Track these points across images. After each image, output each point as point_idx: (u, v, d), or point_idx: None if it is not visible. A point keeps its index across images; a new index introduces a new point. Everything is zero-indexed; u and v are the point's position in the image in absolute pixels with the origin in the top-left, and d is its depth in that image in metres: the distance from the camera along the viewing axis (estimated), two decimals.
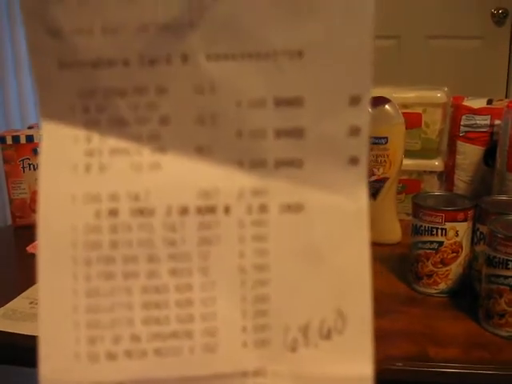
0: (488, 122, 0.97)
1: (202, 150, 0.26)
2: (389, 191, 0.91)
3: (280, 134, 0.26)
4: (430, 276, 0.75)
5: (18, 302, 0.73)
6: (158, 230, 0.26)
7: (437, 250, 0.74)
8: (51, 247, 0.25)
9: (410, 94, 1.01)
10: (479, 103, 0.99)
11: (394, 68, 2.24)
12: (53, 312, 0.25)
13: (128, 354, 0.25)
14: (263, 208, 0.26)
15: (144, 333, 0.26)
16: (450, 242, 0.73)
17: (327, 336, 0.26)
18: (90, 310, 0.25)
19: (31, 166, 0.98)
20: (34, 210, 0.97)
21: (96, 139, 0.26)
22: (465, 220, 0.73)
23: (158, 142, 0.26)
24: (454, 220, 0.73)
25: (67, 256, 0.25)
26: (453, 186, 1.02)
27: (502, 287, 0.64)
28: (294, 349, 0.26)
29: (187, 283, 0.26)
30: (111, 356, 0.25)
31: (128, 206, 0.25)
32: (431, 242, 0.74)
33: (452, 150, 1.02)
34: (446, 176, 1.03)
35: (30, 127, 1.07)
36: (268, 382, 0.26)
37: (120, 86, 0.25)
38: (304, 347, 0.26)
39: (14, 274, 0.86)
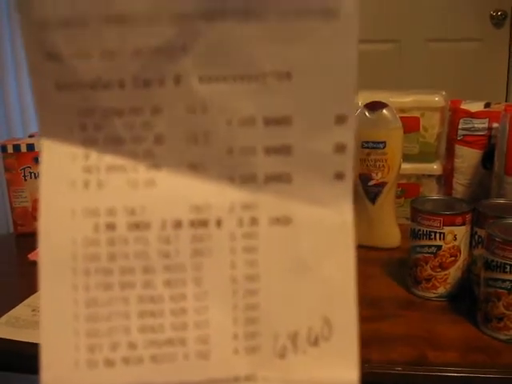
0: (486, 125, 0.98)
1: (194, 167, 0.27)
2: (387, 195, 0.91)
3: (269, 151, 0.27)
4: (428, 280, 0.75)
5: (21, 310, 0.73)
6: (153, 243, 0.27)
7: (435, 254, 0.74)
8: (52, 259, 0.26)
9: (407, 99, 1.02)
10: (477, 107, 1.00)
11: (395, 71, 2.25)
12: (54, 321, 0.26)
13: (125, 360, 0.26)
14: (253, 221, 0.27)
15: (140, 340, 0.26)
16: (449, 245, 0.73)
17: (315, 343, 0.27)
18: (89, 318, 0.26)
19: (32, 174, 0.99)
20: (35, 218, 0.97)
21: (94, 156, 0.27)
22: (463, 224, 0.73)
23: (152, 160, 0.27)
24: (452, 224, 0.73)
25: (67, 267, 0.26)
26: (451, 190, 1.02)
27: (500, 291, 0.64)
28: (282, 355, 0.27)
29: (181, 293, 0.27)
30: (109, 363, 0.26)
31: (125, 220, 0.26)
32: (429, 246, 0.74)
33: (450, 154, 1.02)
34: (445, 180, 1.03)
35: (30, 136, 1.07)
36: None
37: (116, 107, 0.26)
38: (293, 354, 0.27)
39: (16, 281, 0.87)
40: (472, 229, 0.75)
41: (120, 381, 0.26)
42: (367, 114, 0.89)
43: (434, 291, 0.75)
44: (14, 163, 0.99)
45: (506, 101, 2.11)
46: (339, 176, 0.27)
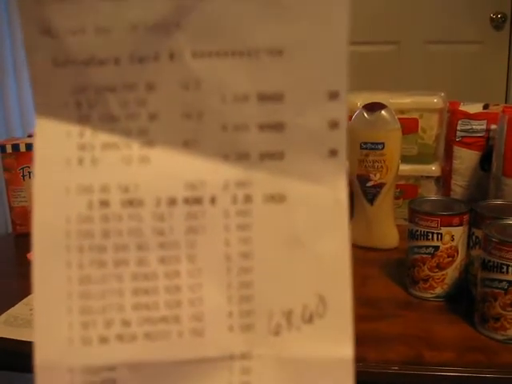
0: (484, 126, 0.98)
1: (188, 144, 0.27)
2: (386, 196, 0.91)
3: (262, 127, 0.27)
4: (426, 280, 0.75)
5: (19, 309, 0.73)
6: (147, 220, 0.27)
7: (433, 255, 0.74)
8: (45, 236, 0.26)
9: (406, 100, 1.02)
10: (475, 108, 1.00)
11: (394, 73, 2.25)
12: (47, 298, 0.26)
13: (119, 337, 0.26)
14: (247, 198, 0.27)
15: (134, 318, 0.27)
16: (446, 246, 0.74)
17: (309, 320, 0.27)
18: (83, 296, 0.26)
19: (31, 174, 0.99)
20: None
21: (88, 134, 0.27)
22: (460, 224, 0.74)
23: (146, 137, 0.27)
24: (450, 225, 0.73)
25: (61, 245, 0.26)
26: (450, 191, 1.02)
27: (496, 291, 0.64)
28: (277, 333, 0.27)
29: (175, 270, 0.27)
30: (103, 340, 0.26)
31: (118, 197, 0.27)
32: (427, 247, 0.74)
33: (449, 155, 1.03)
34: (443, 181, 1.03)
35: (30, 135, 1.08)
36: (254, 365, 0.27)
37: (110, 83, 0.26)
38: (287, 331, 0.27)
39: (14, 280, 0.87)
40: (469, 229, 0.75)
41: (114, 358, 0.26)
42: (366, 114, 0.89)
43: (432, 291, 0.75)
44: (13, 163, 0.99)
45: (505, 103, 2.11)
46: (333, 153, 0.27)
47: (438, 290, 0.75)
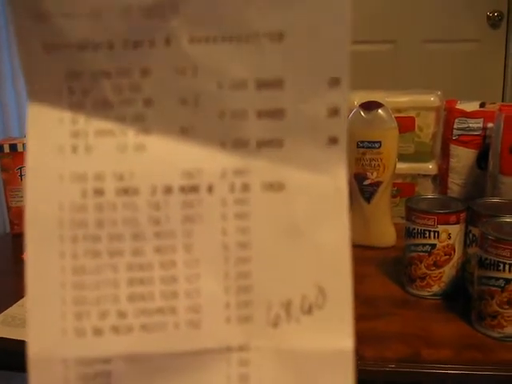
0: (481, 125, 0.98)
1: (185, 131, 0.26)
2: (383, 195, 0.91)
3: (261, 114, 0.26)
4: (423, 278, 0.76)
5: (17, 309, 0.73)
6: (143, 209, 0.26)
7: (430, 253, 0.74)
8: (38, 226, 0.26)
9: (403, 98, 1.02)
10: (472, 106, 1.00)
11: (391, 72, 2.25)
12: (40, 289, 0.26)
13: (114, 329, 0.26)
14: (245, 187, 0.27)
15: (130, 309, 0.26)
16: (443, 244, 0.74)
17: (308, 311, 0.27)
18: (77, 286, 0.26)
19: None
20: None
21: (82, 121, 0.26)
22: (457, 222, 0.74)
23: (142, 124, 0.26)
24: (447, 223, 0.73)
25: (54, 234, 0.26)
26: (447, 189, 1.02)
27: (493, 289, 0.65)
28: (276, 324, 0.27)
29: (171, 260, 0.26)
30: (98, 331, 0.26)
31: (113, 185, 0.26)
32: (424, 245, 0.74)
33: (445, 154, 1.03)
34: (440, 179, 1.04)
35: None
36: (252, 357, 0.27)
37: (105, 69, 0.26)
38: (286, 323, 0.27)
39: (12, 280, 0.87)
40: (466, 227, 0.75)
41: (109, 350, 0.26)
42: (363, 113, 0.90)
43: (429, 289, 0.76)
44: (11, 163, 0.99)
45: (502, 102, 2.11)
46: (333, 140, 0.27)
47: (435, 288, 0.75)
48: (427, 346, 0.65)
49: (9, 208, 1.02)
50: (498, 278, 0.64)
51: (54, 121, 0.26)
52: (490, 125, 0.96)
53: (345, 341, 0.27)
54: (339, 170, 0.27)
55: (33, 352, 0.25)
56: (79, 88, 0.26)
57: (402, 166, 0.98)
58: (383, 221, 0.93)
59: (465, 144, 1.00)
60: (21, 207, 1.00)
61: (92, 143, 0.26)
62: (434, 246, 0.74)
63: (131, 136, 0.26)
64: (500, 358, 0.62)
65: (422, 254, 0.75)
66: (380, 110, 0.89)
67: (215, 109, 0.26)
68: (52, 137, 0.26)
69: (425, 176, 1.03)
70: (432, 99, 1.01)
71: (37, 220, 0.26)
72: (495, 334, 0.65)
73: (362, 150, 0.90)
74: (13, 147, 0.99)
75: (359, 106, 0.90)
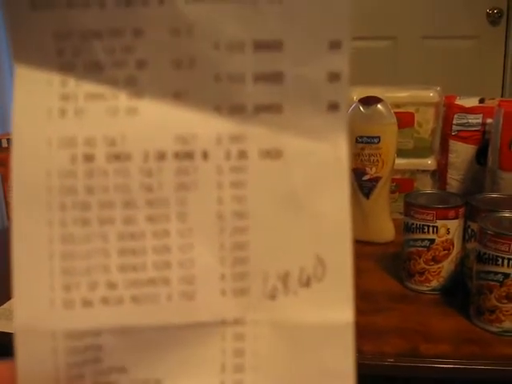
0: (480, 120, 0.98)
1: (179, 95, 0.25)
2: (382, 190, 0.91)
3: (258, 78, 0.25)
4: (421, 273, 0.76)
5: None
6: (135, 176, 0.25)
7: (428, 248, 0.74)
8: (25, 193, 0.25)
9: (402, 94, 1.02)
10: (471, 102, 1.00)
11: (391, 68, 2.25)
12: (27, 259, 0.25)
13: (104, 300, 0.25)
14: (242, 154, 0.26)
15: (120, 279, 0.25)
16: (442, 239, 0.74)
17: (307, 283, 0.26)
18: (66, 256, 0.25)
19: None
20: None
21: (71, 83, 0.25)
22: (456, 218, 0.74)
23: (134, 87, 0.25)
24: (445, 218, 0.73)
25: (42, 202, 0.25)
26: (446, 185, 1.02)
27: (492, 283, 0.65)
28: (273, 297, 0.26)
29: (164, 229, 0.25)
30: (87, 303, 0.25)
31: (104, 150, 0.25)
32: (423, 240, 0.74)
33: (444, 149, 1.03)
34: (439, 175, 1.03)
35: None
36: (247, 331, 0.26)
37: (96, 28, 0.25)
38: (283, 295, 0.26)
39: (10, 276, 0.87)
40: (465, 222, 0.75)
41: (99, 322, 0.25)
42: (362, 108, 0.90)
43: (427, 284, 0.76)
44: (9, 157, 0.99)
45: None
46: (333, 106, 0.26)
47: (434, 283, 0.75)
48: (426, 341, 0.65)
49: (7, 203, 1.01)
50: (496, 273, 0.64)
51: (42, 83, 0.25)
52: (489, 120, 0.96)
53: (345, 313, 0.26)
54: (339, 138, 0.26)
55: (19, 324, 0.25)
56: (69, 49, 0.25)
57: (401, 162, 0.98)
58: (382, 216, 0.93)
59: (464, 140, 0.99)
60: None
61: (82, 107, 0.25)
62: (432, 241, 0.74)
63: (123, 99, 0.25)
64: (498, 353, 0.62)
65: (420, 249, 0.75)
66: (379, 105, 0.89)
67: (211, 72, 0.25)
68: (40, 100, 0.25)
69: (424, 172, 1.03)
70: (431, 95, 1.01)
71: (23, 187, 0.25)
72: (494, 329, 0.65)
73: (361, 146, 0.90)
74: (11, 142, 0.99)
75: (358, 101, 0.90)
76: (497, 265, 0.64)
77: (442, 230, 0.73)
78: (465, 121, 0.99)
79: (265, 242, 0.26)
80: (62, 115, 0.25)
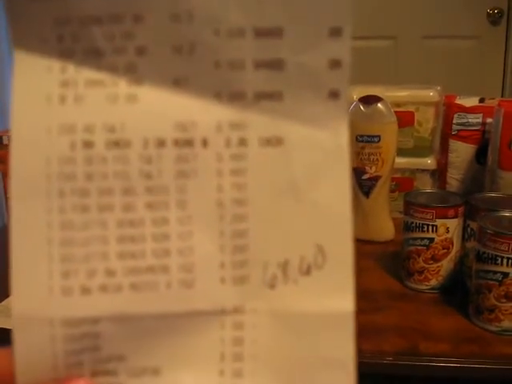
0: (480, 120, 0.98)
1: (179, 82, 0.25)
2: (381, 189, 0.91)
3: (259, 65, 0.25)
4: (421, 272, 0.76)
5: None
6: (134, 163, 0.25)
7: (428, 247, 0.74)
8: (24, 179, 0.25)
9: (402, 93, 1.02)
10: (471, 102, 1.00)
11: (391, 68, 2.25)
12: (26, 245, 0.25)
13: (103, 288, 0.25)
14: (242, 141, 0.26)
15: (119, 267, 0.25)
16: (441, 238, 0.74)
17: (307, 272, 0.26)
18: (64, 243, 0.25)
19: None
20: None
21: (71, 70, 0.25)
22: (455, 217, 0.74)
23: (134, 73, 0.25)
24: (445, 217, 0.73)
25: (41, 188, 0.25)
26: (445, 184, 1.02)
27: (491, 282, 0.65)
28: (272, 285, 0.26)
29: (164, 217, 0.25)
30: (85, 290, 0.25)
31: (103, 137, 0.25)
32: (422, 239, 0.74)
33: (444, 149, 1.03)
34: (439, 174, 1.03)
35: None
36: (247, 319, 0.26)
37: (95, 15, 0.25)
38: (283, 284, 0.26)
39: (8, 273, 0.87)
40: (464, 221, 0.75)
41: (97, 309, 0.25)
42: (362, 107, 0.90)
43: (427, 283, 0.76)
44: (9, 154, 0.99)
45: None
46: (334, 94, 0.25)
47: (433, 282, 0.76)
48: (425, 340, 0.65)
49: (7, 199, 1.01)
50: (495, 272, 0.64)
51: (42, 69, 0.25)
52: (489, 120, 0.96)
53: (345, 302, 0.26)
54: (340, 126, 0.26)
55: (17, 311, 0.24)
56: (69, 35, 0.25)
57: (401, 161, 0.98)
58: (382, 215, 0.93)
59: (464, 139, 0.99)
60: None
61: (82, 93, 0.25)
62: (432, 239, 0.74)
63: (123, 86, 0.25)
64: (497, 352, 0.62)
65: (420, 247, 0.75)
66: (379, 104, 0.89)
67: (211, 58, 0.25)
68: (39, 86, 0.25)
69: (423, 171, 1.03)
70: (431, 94, 1.01)
71: (22, 173, 0.25)
72: (493, 328, 0.65)
73: (361, 144, 0.90)
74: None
75: (358, 99, 0.90)
76: (496, 264, 0.64)
77: (442, 229, 0.73)
78: (465, 120, 0.99)
79: (264, 229, 0.26)
80: (62, 102, 0.25)
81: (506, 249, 0.63)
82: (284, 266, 0.26)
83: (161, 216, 0.25)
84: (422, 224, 0.74)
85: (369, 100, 0.89)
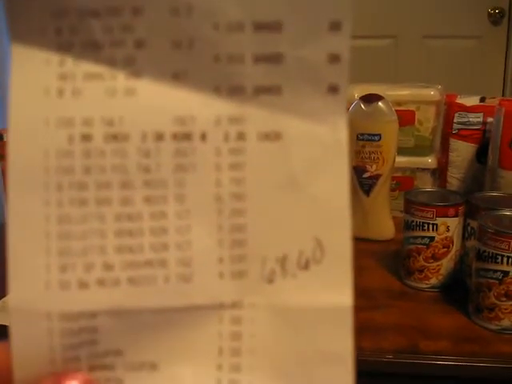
0: (481, 119, 0.98)
1: (178, 76, 0.25)
2: (382, 188, 0.91)
3: (258, 59, 0.25)
4: (421, 271, 0.76)
5: None
6: (133, 156, 0.25)
7: (428, 245, 0.74)
8: (22, 172, 0.25)
9: (403, 92, 1.02)
10: (472, 101, 1.00)
11: (392, 68, 2.25)
12: (23, 239, 0.25)
13: (100, 282, 0.25)
14: (241, 136, 0.25)
15: (117, 261, 0.25)
16: (441, 237, 0.74)
17: (305, 266, 0.26)
18: (62, 236, 0.25)
19: None
20: None
21: (69, 63, 0.25)
22: (456, 215, 0.74)
23: (133, 67, 0.25)
24: (445, 215, 0.73)
25: (39, 181, 0.25)
26: (446, 183, 1.02)
27: (491, 281, 0.65)
28: (271, 280, 0.26)
29: (162, 211, 0.25)
30: (83, 284, 0.25)
31: (102, 131, 0.25)
32: (422, 238, 0.74)
33: (445, 148, 1.03)
34: (439, 173, 1.04)
35: None
36: (245, 314, 0.26)
37: (94, 7, 0.25)
38: (281, 278, 0.26)
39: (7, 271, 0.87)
40: (465, 220, 0.75)
41: (95, 303, 0.25)
42: (363, 106, 0.90)
43: (427, 282, 0.76)
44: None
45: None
46: (333, 89, 0.25)
47: (433, 281, 0.76)
48: (425, 338, 0.65)
49: (7, 197, 1.01)
50: (495, 271, 0.64)
51: (40, 62, 0.25)
52: (489, 119, 0.96)
53: (344, 297, 0.26)
54: (339, 121, 0.26)
55: (15, 305, 0.24)
56: (67, 27, 0.25)
57: (402, 160, 0.98)
58: (382, 214, 0.93)
59: (464, 138, 1.00)
60: None
61: (80, 86, 0.25)
62: (432, 238, 0.74)
63: (121, 80, 0.25)
64: (497, 351, 0.62)
65: (420, 246, 0.75)
66: (380, 103, 0.89)
67: (210, 52, 0.25)
68: (37, 79, 0.25)
69: (424, 170, 1.03)
70: (432, 93, 1.01)
71: (20, 167, 0.25)
72: (492, 327, 0.65)
73: (362, 143, 0.90)
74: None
75: (359, 98, 0.90)
76: (496, 263, 0.64)
77: (442, 228, 0.73)
78: (465, 119, 0.99)
79: (263, 224, 0.26)
80: (60, 95, 0.25)
81: (507, 247, 0.63)
82: (282, 261, 0.26)
83: (159, 210, 0.25)
84: (423, 223, 0.74)
85: (370, 99, 0.89)
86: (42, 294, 0.25)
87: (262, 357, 0.26)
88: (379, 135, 0.89)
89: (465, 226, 0.75)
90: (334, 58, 0.25)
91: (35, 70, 0.25)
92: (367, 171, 0.91)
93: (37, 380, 0.25)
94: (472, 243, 0.72)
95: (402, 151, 0.96)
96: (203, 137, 0.25)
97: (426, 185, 1.02)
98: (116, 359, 0.26)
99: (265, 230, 0.26)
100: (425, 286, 0.76)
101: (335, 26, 0.25)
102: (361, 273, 0.80)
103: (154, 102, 0.25)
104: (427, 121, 1.01)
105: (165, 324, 0.26)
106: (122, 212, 0.25)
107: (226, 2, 0.25)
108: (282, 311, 0.26)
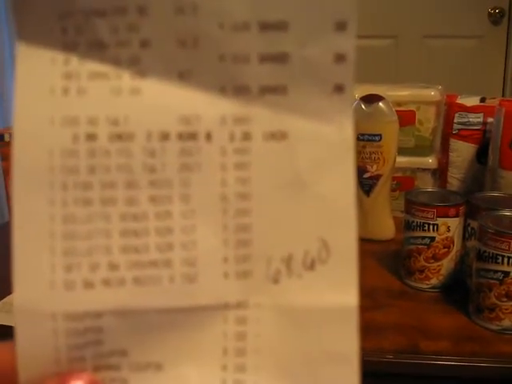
0: (481, 119, 0.98)
1: (183, 75, 0.25)
2: (382, 188, 0.91)
3: (264, 59, 0.25)
4: (421, 271, 0.76)
5: None
6: (138, 156, 0.25)
7: (428, 246, 0.74)
8: (27, 172, 0.25)
9: (403, 92, 1.02)
10: (472, 101, 1.00)
11: (392, 67, 2.25)
12: (28, 238, 0.25)
13: (106, 282, 0.25)
14: (246, 136, 0.25)
15: (122, 261, 0.25)
16: (442, 237, 0.74)
17: (311, 266, 0.26)
18: (67, 236, 0.25)
19: None
20: None
21: (74, 62, 0.25)
22: (456, 216, 0.74)
23: (138, 66, 0.25)
24: (446, 216, 0.74)
25: (44, 181, 0.25)
26: (446, 184, 1.03)
27: (491, 281, 0.65)
28: (276, 280, 0.26)
29: (167, 211, 0.25)
30: (88, 284, 0.25)
31: (107, 130, 0.25)
32: (423, 238, 0.75)
33: (445, 148, 1.03)
34: (440, 173, 1.04)
35: None
36: (250, 314, 0.26)
37: (99, 7, 0.25)
38: (287, 278, 0.26)
39: (11, 269, 0.87)
40: (465, 221, 0.75)
41: (100, 303, 0.25)
42: (363, 106, 0.90)
43: (427, 282, 0.76)
44: (11, 151, 0.99)
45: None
46: (339, 88, 0.25)
47: (434, 281, 0.76)
48: (425, 338, 0.65)
49: (8, 197, 1.02)
50: (496, 271, 0.64)
51: (46, 61, 0.25)
52: (490, 119, 0.97)
53: (349, 297, 0.26)
54: (345, 120, 0.26)
55: (20, 305, 0.24)
56: (73, 27, 0.25)
57: (402, 160, 0.98)
58: (382, 214, 0.93)
59: (465, 138, 1.00)
60: None
61: (85, 86, 0.25)
62: (432, 238, 0.74)
63: (126, 79, 0.25)
64: (498, 351, 0.62)
65: (420, 246, 0.75)
66: (381, 103, 0.89)
67: (215, 52, 0.25)
68: (43, 78, 0.25)
69: (424, 170, 1.03)
70: (432, 93, 1.02)
71: (25, 166, 0.25)
72: (493, 327, 0.66)
73: (363, 143, 0.90)
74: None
75: (360, 98, 0.90)
76: (497, 263, 0.64)
77: (443, 228, 0.74)
78: (466, 120, 0.99)
79: (268, 224, 0.26)
80: (65, 94, 0.25)
81: (507, 248, 0.63)
82: (288, 261, 0.26)
83: (164, 210, 0.25)
84: (423, 223, 0.74)
85: (370, 99, 0.90)
86: (47, 294, 0.25)
87: (267, 357, 0.26)
88: (380, 135, 0.89)
89: (465, 227, 0.75)
90: (340, 58, 0.25)
91: (40, 69, 0.25)
92: (368, 171, 0.91)
93: (42, 380, 0.25)
94: (472, 243, 0.72)
95: (402, 151, 0.96)
96: (208, 136, 0.25)
97: (427, 185, 1.02)
98: (121, 359, 0.26)
99: (270, 229, 0.26)
100: (425, 286, 0.76)
101: (341, 26, 0.25)
102: (361, 273, 0.79)
103: (159, 101, 0.25)
104: (427, 121, 1.02)
105: (170, 324, 0.26)
106: (127, 212, 0.25)
107: (231, 1, 0.25)
108: (287, 311, 0.26)
